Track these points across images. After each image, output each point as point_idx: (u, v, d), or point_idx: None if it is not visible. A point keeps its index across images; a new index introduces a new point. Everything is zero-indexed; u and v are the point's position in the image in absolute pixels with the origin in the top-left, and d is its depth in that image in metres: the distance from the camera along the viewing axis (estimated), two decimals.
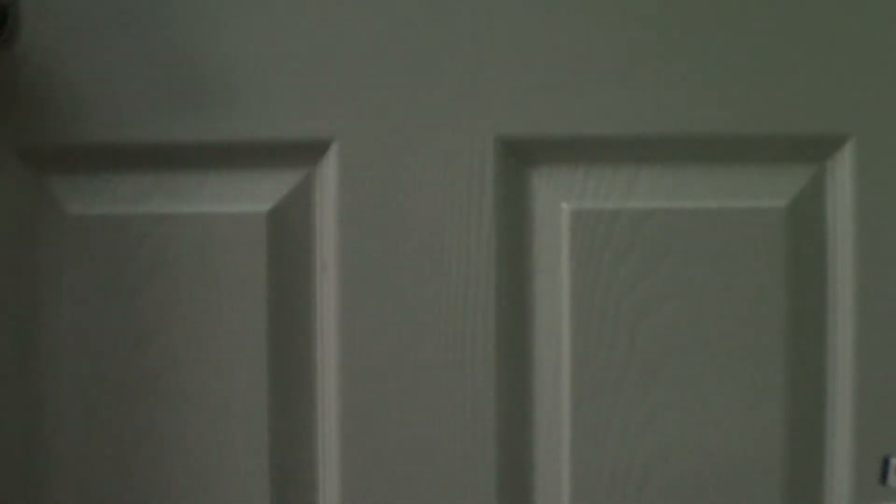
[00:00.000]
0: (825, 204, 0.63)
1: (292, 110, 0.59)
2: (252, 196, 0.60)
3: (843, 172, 0.62)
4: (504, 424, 0.61)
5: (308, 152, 0.60)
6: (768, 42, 0.61)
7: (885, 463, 0.62)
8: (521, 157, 0.61)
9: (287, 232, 0.60)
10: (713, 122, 0.61)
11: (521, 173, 0.61)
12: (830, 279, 0.63)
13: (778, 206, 0.62)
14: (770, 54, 0.61)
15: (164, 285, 0.59)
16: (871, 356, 0.62)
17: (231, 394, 0.60)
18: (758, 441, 0.62)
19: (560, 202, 0.61)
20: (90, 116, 0.58)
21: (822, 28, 0.61)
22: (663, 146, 0.61)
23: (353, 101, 0.59)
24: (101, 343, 0.60)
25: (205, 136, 0.59)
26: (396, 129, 0.59)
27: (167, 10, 0.58)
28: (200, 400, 0.60)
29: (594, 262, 0.61)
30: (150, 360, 0.60)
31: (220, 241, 0.60)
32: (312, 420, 0.61)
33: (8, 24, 0.56)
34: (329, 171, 0.60)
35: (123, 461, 0.60)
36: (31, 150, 0.59)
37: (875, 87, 0.61)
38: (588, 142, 0.61)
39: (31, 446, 0.60)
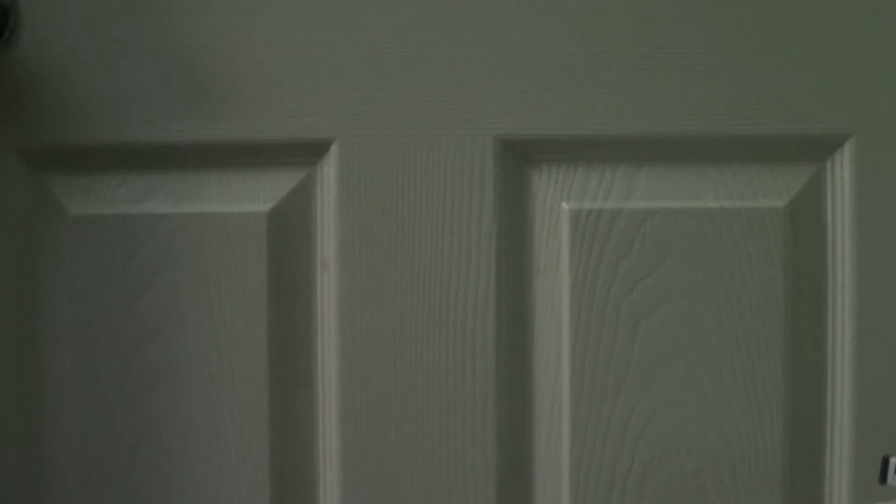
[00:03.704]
0: (825, 204, 0.63)
1: (292, 110, 0.59)
2: (252, 196, 0.60)
3: (842, 172, 0.62)
4: (504, 424, 0.61)
5: (308, 152, 0.60)
6: (768, 42, 0.61)
7: (885, 463, 0.62)
8: (521, 157, 0.61)
9: (287, 232, 0.60)
10: (713, 122, 0.61)
11: (521, 173, 0.61)
12: (830, 279, 0.63)
13: (777, 206, 0.62)
14: (770, 54, 0.61)
15: (165, 285, 0.59)
16: (871, 356, 0.62)
17: (231, 394, 0.60)
18: (758, 441, 0.62)
19: (560, 202, 0.62)
20: (90, 116, 0.58)
21: (822, 28, 0.61)
22: (663, 146, 0.61)
23: (353, 101, 0.59)
24: (101, 343, 0.60)
25: (205, 136, 0.59)
26: (396, 129, 0.60)
27: (168, 11, 0.58)
28: (200, 400, 0.60)
29: (594, 262, 0.61)
30: (150, 360, 0.60)
31: (221, 241, 0.60)
32: (313, 420, 0.61)
33: (9, 24, 0.57)
34: (329, 171, 0.60)
35: (123, 461, 0.60)
36: (31, 150, 0.59)
37: (875, 87, 0.61)
38: (588, 142, 0.61)
39: (31, 446, 0.60)
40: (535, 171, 0.62)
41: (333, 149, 0.60)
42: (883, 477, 0.62)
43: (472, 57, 0.59)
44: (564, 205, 0.61)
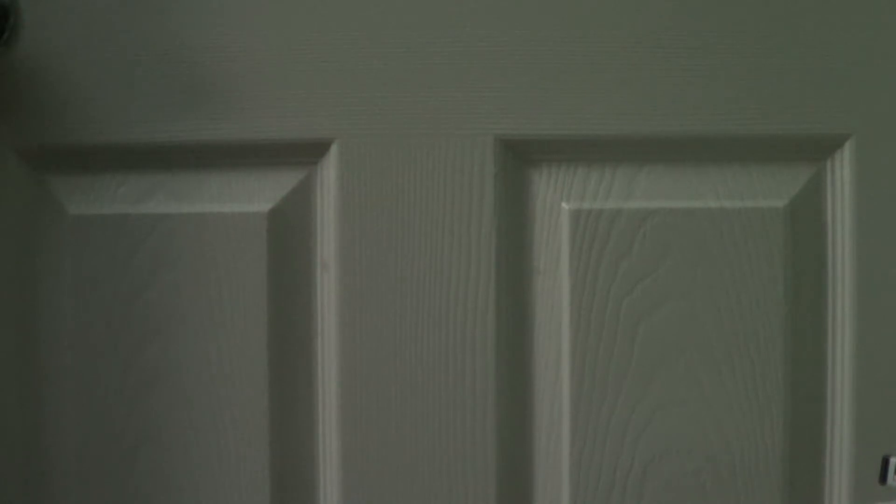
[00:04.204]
0: (825, 204, 0.63)
1: (293, 110, 0.59)
2: (252, 196, 0.60)
3: (842, 172, 0.62)
4: (504, 424, 0.61)
5: (308, 152, 0.60)
6: (768, 42, 0.61)
7: (885, 463, 0.62)
8: (521, 157, 0.61)
9: (287, 232, 0.60)
10: (713, 122, 0.61)
11: (521, 173, 0.61)
12: (830, 279, 0.63)
13: (777, 206, 0.62)
14: (769, 54, 0.61)
15: (165, 285, 0.59)
16: (871, 356, 0.62)
17: (231, 394, 0.60)
18: (758, 441, 0.62)
19: (560, 202, 0.62)
20: (90, 116, 0.58)
21: (822, 28, 0.61)
22: (663, 146, 0.61)
23: (354, 101, 0.59)
24: (101, 343, 0.60)
25: (205, 136, 0.59)
26: (396, 129, 0.60)
27: (168, 11, 0.58)
28: (200, 400, 0.60)
29: (594, 262, 0.61)
30: (150, 360, 0.60)
31: (221, 241, 0.60)
32: (313, 420, 0.61)
33: (9, 23, 0.57)
34: (329, 171, 0.60)
35: (123, 461, 0.60)
36: (31, 150, 0.59)
37: (875, 87, 0.61)
38: (588, 142, 0.61)
39: (31, 446, 0.60)
40: (535, 171, 0.62)
41: (333, 149, 0.60)
42: (883, 477, 0.62)
43: (472, 57, 0.59)
44: (564, 205, 0.61)
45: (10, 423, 0.60)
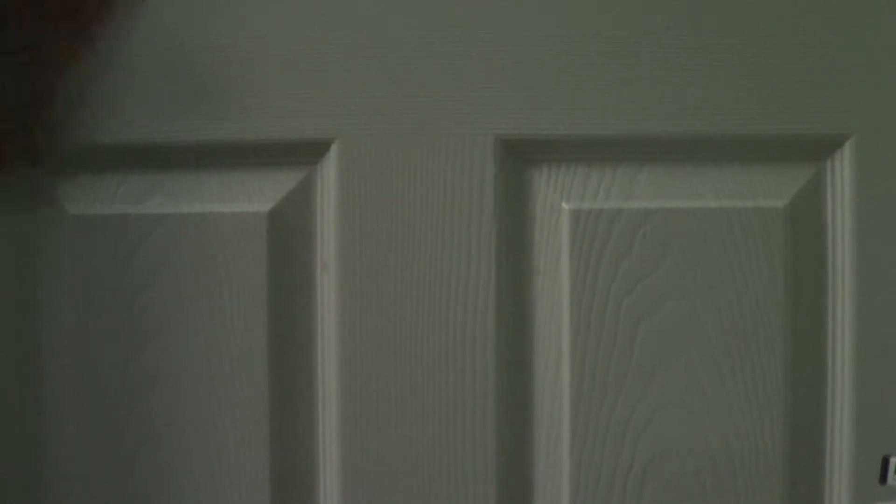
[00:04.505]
0: (825, 204, 0.63)
1: (292, 110, 0.59)
2: (252, 196, 0.60)
3: (842, 172, 0.62)
4: (504, 425, 0.61)
5: (308, 152, 0.60)
6: (768, 42, 0.61)
7: (885, 463, 0.62)
8: (521, 157, 0.61)
9: (287, 232, 0.60)
10: (713, 122, 0.61)
11: (521, 173, 0.61)
12: (830, 279, 0.63)
13: (777, 206, 0.62)
14: (770, 54, 0.61)
15: (165, 285, 0.59)
16: (871, 356, 0.62)
17: (231, 394, 0.60)
18: (758, 441, 0.62)
19: (560, 202, 0.62)
20: (90, 117, 0.58)
21: (822, 28, 0.61)
22: (663, 146, 0.61)
23: (353, 101, 0.59)
24: (101, 343, 0.60)
25: (205, 136, 0.59)
26: (396, 129, 0.60)
27: (167, 10, 0.58)
28: (200, 400, 0.60)
29: (594, 262, 0.61)
30: (149, 360, 0.60)
31: (221, 241, 0.60)
32: (313, 420, 0.61)
33: None
34: (329, 171, 0.60)
35: (123, 462, 0.60)
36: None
37: (874, 87, 0.61)
38: (588, 142, 0.61)
39: (32, 446, 0.60)
40: (535, 171, 0.62)
41: (333, 149, 0.60)
42: (883, 477, 0.62)
43: (472, 57, 0.59)
44: (564, 205, 0.61)
45: (10, 422, 0.60)
